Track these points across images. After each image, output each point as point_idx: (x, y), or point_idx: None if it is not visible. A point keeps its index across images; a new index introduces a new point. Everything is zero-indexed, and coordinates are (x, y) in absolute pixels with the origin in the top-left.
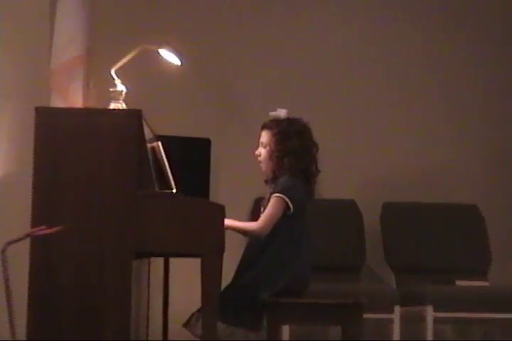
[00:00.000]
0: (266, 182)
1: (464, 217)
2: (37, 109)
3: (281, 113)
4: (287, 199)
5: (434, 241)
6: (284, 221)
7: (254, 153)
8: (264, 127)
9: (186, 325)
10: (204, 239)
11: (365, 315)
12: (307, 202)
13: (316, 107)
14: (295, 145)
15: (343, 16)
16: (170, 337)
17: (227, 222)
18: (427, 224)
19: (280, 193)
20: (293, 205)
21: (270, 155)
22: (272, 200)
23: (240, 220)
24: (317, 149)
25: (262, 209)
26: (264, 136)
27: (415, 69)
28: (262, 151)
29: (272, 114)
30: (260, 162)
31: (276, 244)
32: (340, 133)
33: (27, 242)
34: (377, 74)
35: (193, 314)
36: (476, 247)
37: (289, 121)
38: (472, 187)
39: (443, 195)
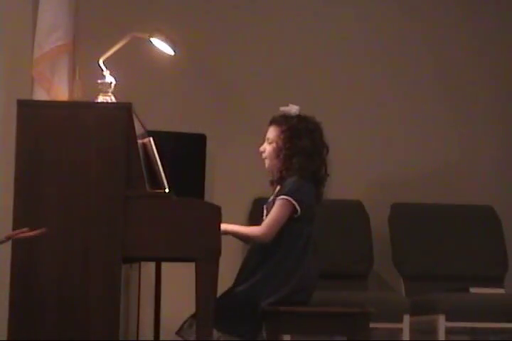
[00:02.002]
0: (272, 183)
1: (479, 218)
2: (19, 102)
3: (293, 109)
4: (294, 202)
5: (446, 245)
6: (290, 225)
7: (253, 150)
8: (272, 122)
9: (179, 332)
10: (198, 242)
11: (373, 325)
12: (316, 207)
13: (319, 103)
14: (305, 144)
15: (348, 7)
16: None
17: (227, 226)
18: (438, 226)
19: (286, 195)
20: (300, 208)
21: (277, 154)
22: (278, 203)
23: (238, 223)
24: (327, 151)
25: (265, 212)
26: (272, 132)
27: (424, 66)
28: (266, 147)
29: (283, 109)
30: (265, 158)
31: (280, 250)
32: (345, 129)
33: (8, 245)
34: (385, 71)
35: (186, 320)
36: (491, 252)
37: (300, 118)
38: (487, 186)
39: (456, 195)
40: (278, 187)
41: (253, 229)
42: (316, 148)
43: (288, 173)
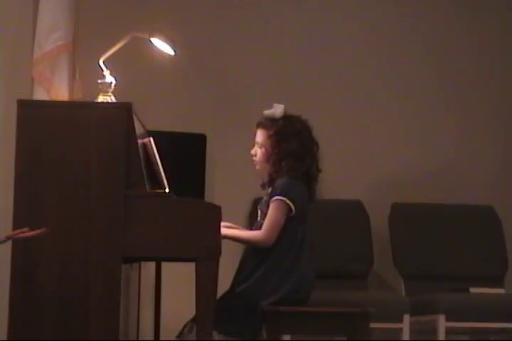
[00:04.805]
0: (263, 186)
1: (479, 219)
2: (19, 102)
3: (277, 111)
4: (288, 201)
5: (446, 245)
6: (285, 224)
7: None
8: (259, 126)
9: (179, 336)
10: (198, 242)
11: (373, 325)
12: (309, 205)
13: (319, 102)
14: (293, 147)
15: (347, 7)
16: None
17: (227, 231)
18: (438, 226)
19: (280, 196)
20: (295, 207)
21: (267, 158)
22: (272, 205)
23: (237, 223)
24: (318, 148)
25: (259, 213)
26: (260, 136)
27: (424, 66)
28: (257, 151)
29: (267, 112)
30: (255, 161)
31: (277, 250)
32: (345, 129)
33: (8, 245)
34: (385, 68)
35: (186, 324)
36: (491, 252)
37: (286, 119)
38: (488, 186)
39: (456, 195)
40: (270, 189)
41: (254, 234)
42: (306, 149)
43: (278, 175)
